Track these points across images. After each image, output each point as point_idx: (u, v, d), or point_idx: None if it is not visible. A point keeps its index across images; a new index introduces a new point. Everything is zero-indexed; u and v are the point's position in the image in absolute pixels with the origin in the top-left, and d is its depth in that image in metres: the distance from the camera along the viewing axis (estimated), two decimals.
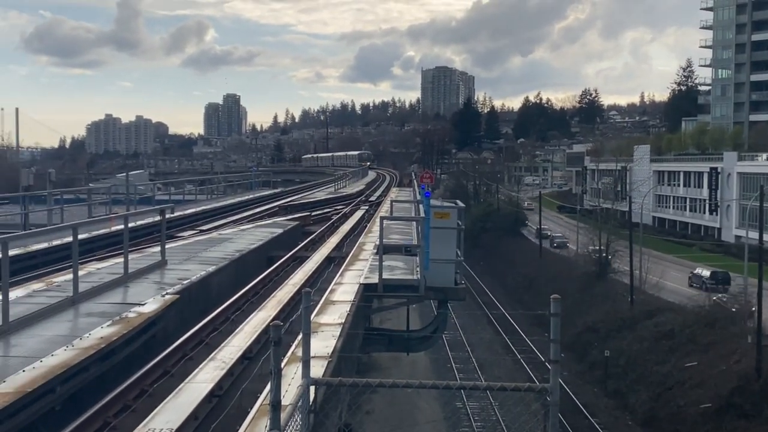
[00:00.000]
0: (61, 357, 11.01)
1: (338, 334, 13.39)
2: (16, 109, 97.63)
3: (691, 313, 47.56)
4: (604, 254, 65.50)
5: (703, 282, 64.90)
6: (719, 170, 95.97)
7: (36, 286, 16.38)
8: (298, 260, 25.05)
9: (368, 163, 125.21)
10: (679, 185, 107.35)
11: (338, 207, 46.09)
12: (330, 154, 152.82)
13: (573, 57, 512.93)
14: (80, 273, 15.87)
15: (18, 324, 12.68)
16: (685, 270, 72.24)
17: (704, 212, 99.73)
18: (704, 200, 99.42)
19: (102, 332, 12.49)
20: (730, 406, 35.25)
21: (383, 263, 18.24)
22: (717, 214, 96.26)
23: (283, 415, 6.37)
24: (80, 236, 16.66)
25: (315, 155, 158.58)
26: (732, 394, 35.65)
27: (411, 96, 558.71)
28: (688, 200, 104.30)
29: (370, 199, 54.80)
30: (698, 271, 67.70)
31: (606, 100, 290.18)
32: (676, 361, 41.68)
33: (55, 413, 10.34)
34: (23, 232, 23.93)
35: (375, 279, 18.13)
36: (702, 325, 44.31)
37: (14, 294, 14.71)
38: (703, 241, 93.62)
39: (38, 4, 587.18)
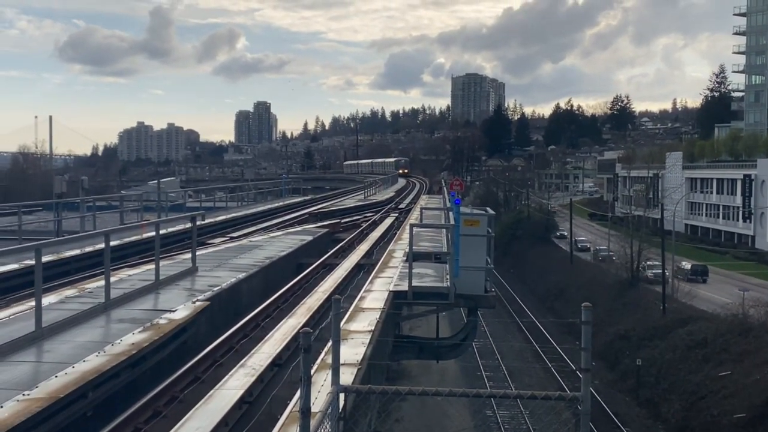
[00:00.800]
0: (93, 363, 11.09)
1: (368, 341, 13.38)
2: (50, 117, 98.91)
3: (725, 321, 47.03)
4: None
5: (685, 273, 70.01)
6: (753, 177, 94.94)
7: (68, 292, 16.53)
8: (328, 267, 25.09)
9: (404, 170, 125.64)
10: (712, 192, 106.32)
11: (368, 214, 46.14)
12: (370, 160, 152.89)
13: (604, 63, 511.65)
14: (112, 279, 15.99)
15: (51, 330, 12.79)
16: (718, 278, 71.66)
17: (738, 220, 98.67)
18: (738, 207, 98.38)
19: (133, 338, 12.57)
20: (765, 416, 34.77)
21: (413, 271, 18.21)
22: (751, 222, 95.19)
23: (313, 422, 6.36)
24: (112, 243, 16.80)
25: (356, 162, 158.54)
26: (766, 403, 35.18)
27: (441, 103, 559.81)
28: (721, 207, 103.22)
29: (400, 207, 54.80)
30: (682, 264, 72.22)
31: (638, 107, 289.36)
32: (710, 370, 41.22)
33: (86, 419, 10.41)
34: (56, 239, 24.15)
35: (405, 286, 18.10)
36: (735, 333, 43.79)
37: (47, 300, 14.85)
38: (737, 248, 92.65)
39: (72, 13, 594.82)
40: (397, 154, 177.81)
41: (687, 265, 73.53)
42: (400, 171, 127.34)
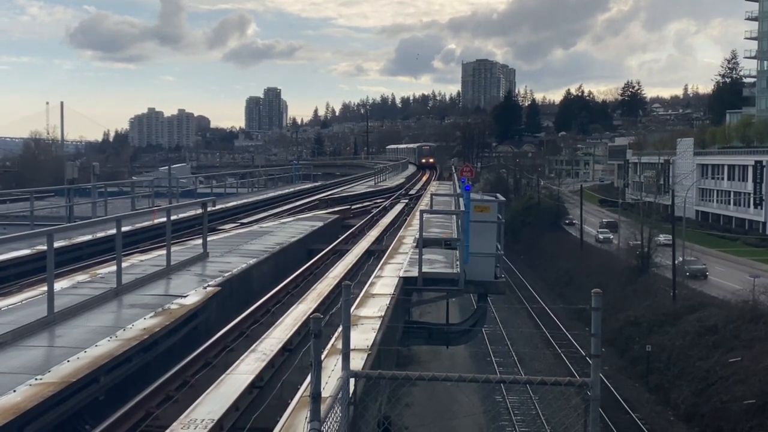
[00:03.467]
0: (105, 347, 11.16)
1: (378, 327, 13.41)
2: (61, 103, 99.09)
3: (735, 308, 46.97)
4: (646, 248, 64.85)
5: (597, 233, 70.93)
6: (764, 163, 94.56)
7: (81, 277, 16.62)
8: (338, 253, 25.13)
9: (428, 160, 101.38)
10: (723, 179, 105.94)
11: (378, 200, 46.15)
12: (405, 145, 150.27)
13: (616, 49, 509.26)
14: (124, 265, 16.06)
15: (63, 314, 12.87)
16: (729, 264, 71.46)
17: (749, 206, 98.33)
18: (749, 194, 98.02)
19: (145, 323, 12.64)
20: None
21: (423, 257, 18.22)
22: (762, 208, 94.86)
23: (323, 407, 6.40)
24: (124, 229, 16.87)
25: (396, 146, 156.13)
26: None
27: (451, 89, 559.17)
28: (732, 194, 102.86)
29: (410, 193, 54.77)
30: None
31: (649, 93, 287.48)
32: (720, 357, 41.19)
33: (98, 403, 10.49)
34: (68, 225, 24.27)
35: (415, 272, 18.13)
36: (746, 320, 43.74)
37: (59, 285, 14.94)
38: (748, 235, 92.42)
39: None
40: (407, 141, 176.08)
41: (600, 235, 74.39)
42: (423, 161, 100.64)
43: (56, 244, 14.75)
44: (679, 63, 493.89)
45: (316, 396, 6.35)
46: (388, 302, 15.53)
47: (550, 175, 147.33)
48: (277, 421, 9.26)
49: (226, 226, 29.83)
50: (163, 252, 18.25)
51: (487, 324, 32.23)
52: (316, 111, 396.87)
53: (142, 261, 18.88)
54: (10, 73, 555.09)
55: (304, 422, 8.57)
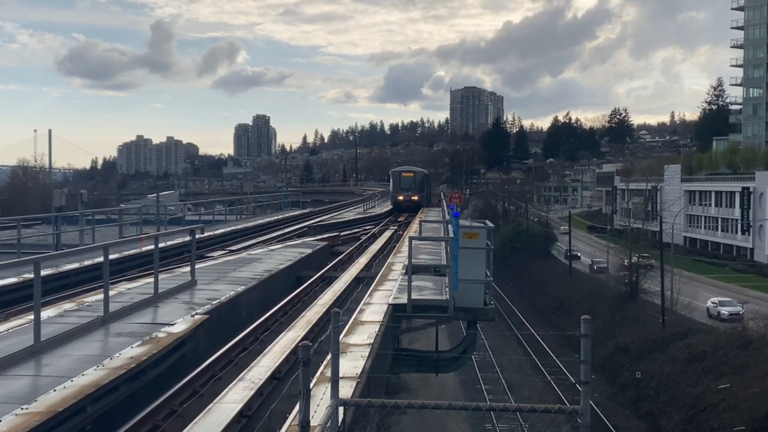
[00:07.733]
0: (92, 377, 11.07)
1: (367, 354, 13.35)
2: (49, 131, 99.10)
3: (724, 334, 47.03)
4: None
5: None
6: (751, 190, 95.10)
7: (67, 305, 16.51)
8: (327, 280, 25.08)
9: (408, 197, 64.22)
10: (710, 205, 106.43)
11: (367, 227, 46.12)
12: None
13: (603, 76, 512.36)
14: (111, 293, 15.98)
15: (49, 343, 12.77)
16: (717, 291, 71.49)
17: (736, 232, 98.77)
18: (736, 220, 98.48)
19: (132, 352, 12.55)
20: (764, 429, 34.73)
21: (412, 283, 18.19)
22: (749, 234, 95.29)
23: None
24: (111, 256, 16.79)
25: None
26: (766, 416, 35.13)
27: (440, 116, 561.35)
28: (719, 220, 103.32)
29: (399, 219, 54.76)
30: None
31: (636, 120, 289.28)
32: (709, 383, 41.18)
33: None
34: (55, 253, 24.15)
35: (404, 299, 18.08)
36: (735, 346, 43.80)
37: (46, 314, 14.83)
38: (736, 261, 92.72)
39: (72, 26, 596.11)
40: (395, 167, 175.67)
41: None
42: (401, 198, 64.09)
43: (43, 272, 14.66)
44: (665, 90, 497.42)
45: (304, 425, 6.31)
46: (377, 329, 15.48)
47: (537, 204, 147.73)
48: None
49: (215, 254, 29.75)
50: (151, 280, 18.17)
51: (476, 351, 32.16)
52: (305, 138, 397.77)
53: (129, 289, 18.78)
54: None
55: None
